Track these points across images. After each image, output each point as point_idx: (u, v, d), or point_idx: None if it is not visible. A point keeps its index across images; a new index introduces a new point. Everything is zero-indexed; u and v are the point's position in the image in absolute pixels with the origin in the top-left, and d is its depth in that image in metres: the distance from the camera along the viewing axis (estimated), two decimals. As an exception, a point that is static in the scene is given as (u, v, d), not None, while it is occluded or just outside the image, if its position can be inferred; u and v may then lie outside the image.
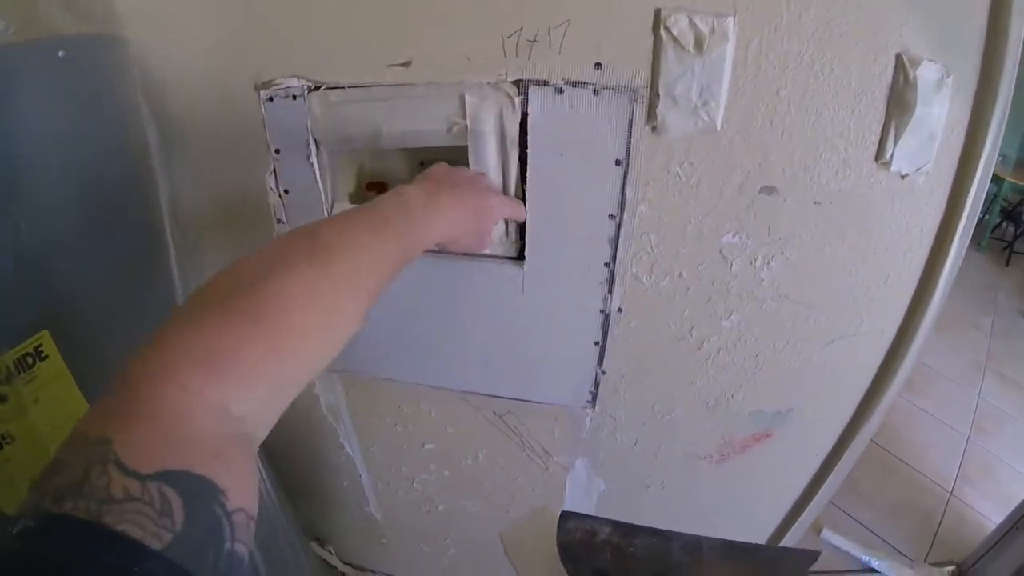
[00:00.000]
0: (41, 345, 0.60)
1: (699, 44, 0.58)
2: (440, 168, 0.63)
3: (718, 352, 0.75)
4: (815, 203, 0.65)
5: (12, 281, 0.57)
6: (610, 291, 0.72)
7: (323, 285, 0.37)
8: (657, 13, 0.58)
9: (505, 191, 0.69)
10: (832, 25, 0.56)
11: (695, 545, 0.45)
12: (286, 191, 0.75)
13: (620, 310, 0.73)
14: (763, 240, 0.67)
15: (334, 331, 0.39)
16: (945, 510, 2.18)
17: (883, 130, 0.61)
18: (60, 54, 0.60)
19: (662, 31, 0.58)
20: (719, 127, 0.61)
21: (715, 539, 0.43)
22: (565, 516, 0.51)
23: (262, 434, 0.34)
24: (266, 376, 0.33)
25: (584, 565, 0.48)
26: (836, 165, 0.63)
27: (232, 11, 0.67)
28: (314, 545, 1.21)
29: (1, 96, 0.54)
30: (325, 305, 0.37)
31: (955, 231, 0.66)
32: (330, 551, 1.24)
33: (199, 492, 0.26)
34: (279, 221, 0.78)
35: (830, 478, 0.88)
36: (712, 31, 0.58)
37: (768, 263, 0.68)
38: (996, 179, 5.15)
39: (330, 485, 1.02)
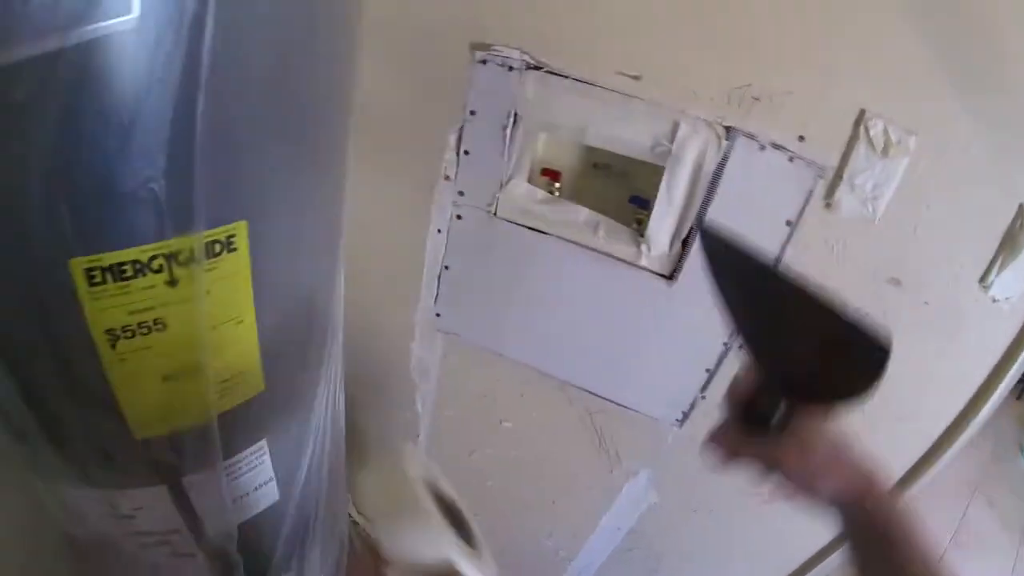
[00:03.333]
0: (235, 235, 0.53)
1: (886, 149, 0.69)
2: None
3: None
4: (925, 303, 0.76)
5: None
6: (738, 329, 0.79)
7: None
8: (861, 113, 0.68)
9: (681, 220, 0.75)
10: (976, 169, 0.67)
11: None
12: (466, 152, 0.78)
13: (741, 347, 0.81)
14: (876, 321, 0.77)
15: None
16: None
17: (991, 260, 0.72)
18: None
19: (861, 129, 0.68)
20: (877, 220, 0.72)
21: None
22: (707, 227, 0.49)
23: None
24: None
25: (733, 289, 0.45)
26: (949, 277, 0.74)
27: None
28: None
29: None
30: None
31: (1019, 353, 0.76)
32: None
33: None
34: (446, 178, 0.81)
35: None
36: (899, 142, 0.68)
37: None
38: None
39: (386, 443, 1.01)
